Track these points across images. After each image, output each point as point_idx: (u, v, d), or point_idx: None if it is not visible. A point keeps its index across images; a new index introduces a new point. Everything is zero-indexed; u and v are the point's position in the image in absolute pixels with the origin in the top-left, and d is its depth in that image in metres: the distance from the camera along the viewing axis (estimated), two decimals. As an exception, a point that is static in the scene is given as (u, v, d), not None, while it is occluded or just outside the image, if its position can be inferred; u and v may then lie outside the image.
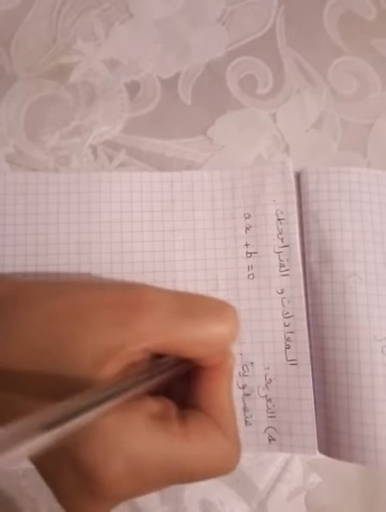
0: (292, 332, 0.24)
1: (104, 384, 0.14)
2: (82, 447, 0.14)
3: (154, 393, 0.16)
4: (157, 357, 0.17)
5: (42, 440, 0.11)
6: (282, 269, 0.25)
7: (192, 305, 0.17)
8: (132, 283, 0.17)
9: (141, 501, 0.24)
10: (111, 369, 0.14)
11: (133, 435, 0.14)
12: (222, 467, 0.16)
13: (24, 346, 0.15)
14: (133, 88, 0.29)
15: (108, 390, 0.13)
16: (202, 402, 0.17)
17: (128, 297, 0.16)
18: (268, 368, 0.24)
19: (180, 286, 0.25)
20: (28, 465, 0.23)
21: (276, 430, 0.24)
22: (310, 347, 0.24)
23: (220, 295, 0.25)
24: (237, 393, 0.24)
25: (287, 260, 0.25)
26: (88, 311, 0.15)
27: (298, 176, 0.27)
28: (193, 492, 0.25)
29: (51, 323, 0.15)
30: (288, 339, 0.24)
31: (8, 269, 0.24)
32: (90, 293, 0.16)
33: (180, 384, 0.18)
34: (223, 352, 0.18)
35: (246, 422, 0.24)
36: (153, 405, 0.16)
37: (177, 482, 0.16)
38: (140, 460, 0.14)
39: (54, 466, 0.14)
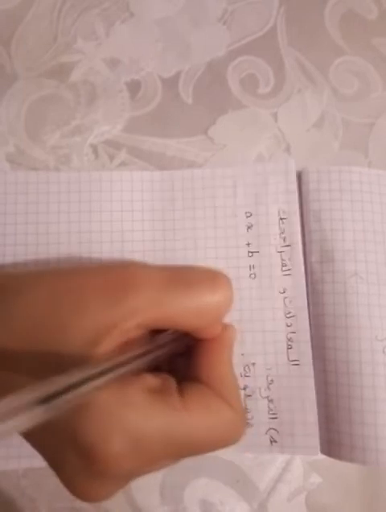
0: (294, 332, 0.24)
1: (99, 360, 0.14)
2: (80, 425, 0.13)
3: (155, 369, 0.16)
4: (155, 333, 0.17)
5: (37, 414, 0.11)
6: (284, 268, 0.25)
7: (182, 276, 0.17)
8: (120, 262, 0.17)
9: (141, 500, 0.24)
10: (106, 347, 0.14)
11: (132, 409, 0.14)
12: (226, 437, 0.16)
13: (17, 332, 0.15)
14: (134, 88, 0.29)
15: (103, 365, 0.13)
16: (202, 374, 0.17)
17: (117, 275, 0.16)
18: (270, 368, 0.24)
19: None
20: (28, 465, 0.23)
21: (277, 431, 0.24)
22: (312, 347, 0.24)
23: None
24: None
25: (289, 259, 0.25)
26: (78, 293, 0.15)
27: (299, 176, 0.26)
28: (193, 492, 0.24)
29: (42, 307, 0.15)
30: (290, 339, 0.24)
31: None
32: (78, 275, 0.16)
33: (181, 360, 0.18)
34: (218, 321, 0.18)
35: (247, 423, 0.24)
36: (152, 380, 0.16)
37: (180, 456, 0.16)
38: (140, 434, 0.14)
39: (55, 447, 0.14)
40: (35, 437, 0.15)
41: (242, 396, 0.24)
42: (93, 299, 0.15)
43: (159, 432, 0.14)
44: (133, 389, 0.14)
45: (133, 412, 0.14)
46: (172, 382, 0.16)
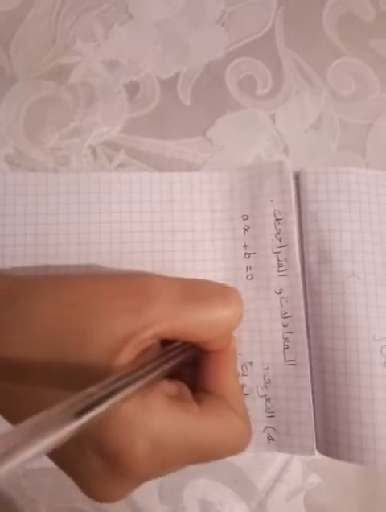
0: (290, 333, 0.24)
1: (122, 371, 0.14)
2: (106, 432, 0.14)
3: (166, 377, 0.17)
4: (164, 343, 0.17)
5: (74, 426, 0.11)
6: (280, 269, 0.25)
7: (197, 290, 0.17)
8: (137, 272, 0.18)
9: (141, 500, 0.24)
10: (126, 357, 0.15)
11: (154, 416, 0.15)
12: (237, 444, 0.17)
13: (36, 338, 0.15)
14: (133, 89, 0.29)
15: (127, 377, 0.14)
16: (210, 385, 0.18)
17: (135, 285, 0.16)
18: (267, 368, 0.24)
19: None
20: (28, 465, 0.23)
21: (275, 430, 0.24)
22: (309, 347, 0.24)
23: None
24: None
25: (285, 260, 0.25)
26: (97, 301, 0.16)
27: (297, 177, 0.27)
28: (192, 491, 0.25)
29: (61, 314, 0.15)
30: (286, 339, 0.24)
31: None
32: (98, 283, 0.17)
33: (187, 370, 0.19)
34: (228, 335, 0.19)
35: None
36: (170, 387, 0.16)
37: (195, 460, 0.16)
38: (162, 439, 0.15)
39: (77, 452, 0.15)
40: None
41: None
42: (113, 309, 0.15)
43: (179, 437, 0.15)
44: (154, 396, 0.15)
45: (156, 418, 0.15)
46: (187, 390, 0.17)
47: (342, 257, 0.25)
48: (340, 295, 0.24)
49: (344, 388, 0.23)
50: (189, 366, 0.19)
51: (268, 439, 0.24)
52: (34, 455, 0.10)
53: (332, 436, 0.23)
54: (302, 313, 0.24)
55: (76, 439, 0.14)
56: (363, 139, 0.28)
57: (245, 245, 0.26)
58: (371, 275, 0.25)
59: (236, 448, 0.17)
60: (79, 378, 0.14)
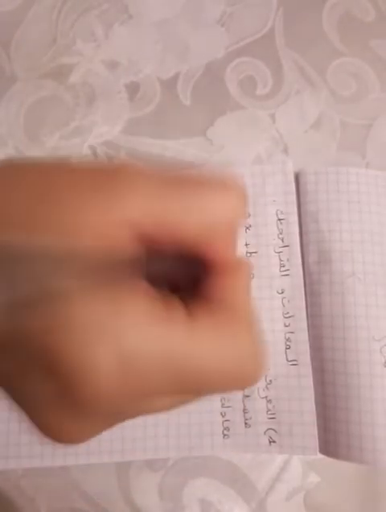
0: (292, 333, 0.24)
1: (88, 255, 0.11)
2: (58, 342, 0.10)
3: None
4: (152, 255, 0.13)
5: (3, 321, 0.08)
6: (282, 269, 0.25)
7: (187, 176, 0.13)
8: (113, 163, 0.13)
9: (140, 500, 0.24)
10: (84, 243, 0.11)
11: (128, 324, 0.11)
12: (241, 371, 0.13)
13: (5, 224, 0.11)
14: (133, 89, 0.29)
15: (86, 260, 0.11)
16: (213, 296, 0.13)
17: (108, 171, 0.12)
18: (269, 368, 0.24)
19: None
20: (28, 465, 0.23)
21: (276, 431, 0.24)
22: (309, 347, 0.24)
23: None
24: (237, 394, 0.24)
25: (287, 260, 0.25)
26: (62, 190, 0.12)
27: (297, 177, 0.27)
28: (192, 491, 0.25)
29: (16, 201, 0.12)
30: (288, 339, 0.24)
31: None
32: (66, 174, 0.13)
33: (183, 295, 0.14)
34: (231, 236, 0.14)
35: (246, 423, 0.24)
36: (152, 289, 0.12)
37: (181, 389, 0.12)
38: (133, 352, 0.11)
39: (24, 375, 0.11)
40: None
41: (240, 396, 0.24)
42: (77, 197, 0.12)
43: (158, 352, 0.11)
44: (131, 297, 0.11)
45: (130, 327, 0.11)
46: (175, 297, 0.13)
47: (342, 257, 0.25)
48: (340, 295, 0.24)
49: (344, 388, 0.23)
50: (186, 292, 0.14)
51: (270, 442, 0.24)
52: None
53: (332, 436, 0.23)
54: (304, 313, 0.24)
55: (16, 352, 0.11)
56: (363, 139, 0.28)
57: (246, 244, 0.26)
58: (370, 275, 0.25)
59: (243, 376, 0.13)
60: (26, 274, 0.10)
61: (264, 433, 0.24)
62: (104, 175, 0.12)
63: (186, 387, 0.12)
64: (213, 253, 0.13)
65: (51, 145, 0.28)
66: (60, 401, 0.11)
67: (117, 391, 0.11)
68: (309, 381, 0.24)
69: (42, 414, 0.12)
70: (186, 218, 0.12)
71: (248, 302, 0.14)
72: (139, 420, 0.24)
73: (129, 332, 0.11)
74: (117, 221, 0.11)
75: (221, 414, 0.24)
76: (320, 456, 0.23)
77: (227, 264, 0.14)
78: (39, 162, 0.13)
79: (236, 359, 0.12)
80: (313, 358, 0.24)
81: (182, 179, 0.13)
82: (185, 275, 0.14)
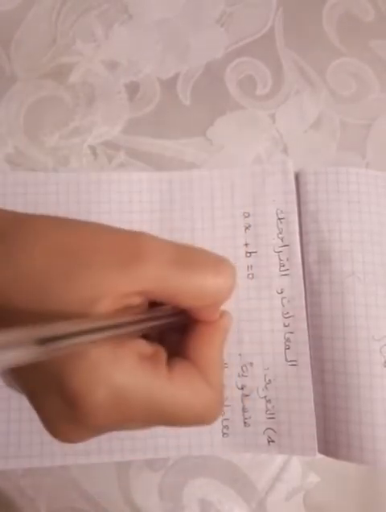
0: (292, 333, 0.24)
1: (98, 317, 0.14)
2: (70, 373, 0.14)
3: (147, 338, 0.17)
4: (152, 306, 0.17)
5: (32, 353, 0.11)
6: (282, 268, 0.25)
7: (191, 255, 0.17)
8: (134, 230, 0.17)
9: (140, 500, 0.24)
10: (105, 307, 0.15)
11: (121, 368, 0.15)
12: (202, 416, 0.17)
13: (23, 276, 0.15)
14: (133, 89, 0.29)
15: (101, 322, 0.14)
16: (191, 353, 0.18)
17: (127, 241, 0.16)
18: (268, 368, 0.24)
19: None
20: (28, 465, 0.23)
21: (275, 431, 0.24)
22: (309, 347, 0.24)
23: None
24: (236, 393, 0.24)
25: (287, 260, 0.25)
26: (87, 249, 0.15)
27: (297, 177, 0.27)
28: (192, 491, 0.25)
29: (50, 256, 0.15)
30: (287, 339, 0.24)
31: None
32: (92, 231, 0.16)
33: (173, 336, 0.19)
34: (217, 306, 0.18)
35: (245, 423, 0.24)
36: (145, 347, 0.16)
37: (157, 423, 0.16)
38: (123, 393, 0.15)
39: (41, 388, 0.15)
40: (22, 374, 0.16)
41: (239, 395, 0.24)
42: (102, 260, 0.15)
43: (142, 394, 0.15)
44: (126, 350, 0.15)
45: (122, 371, 0.15)
46: (163, 353, 0.17)
47: (341, 257, 0.25)
48: (340, 295, 0.24)
49: (343, 388, 0.23)
50: (177, 333, 0.19)
51: (269, 441, 0.24)
52: None
53: (331, 436, 0.23)
54: (304, 313, 0.24)
55: (41, 375, 0.15)
56: (362, 139, 0.28)
57: (246, 244, 0.26)
58: (370, 275, 0.25)
59: (201, 419, 0.17)
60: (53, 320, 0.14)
61: (264, 432, 0.24)
62: (124, 244, 0.16)
63: (157, 420, 0.16)
64: (201, 316, 0.18)
65: (50, 145, 0.28)
66: (66, 415, 0.15)
67: (105, 416, 0.15)
68: (308, 382, 0.24)
69: (53, 422, 0.15)
70: (185, 289, 0.16)
71: (218, 358, 0.18)
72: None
73: (121, 375, 0.15)
74: (133, 291, 0.15)
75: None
76: (320, 456, 0.23)
77: (209, 324, 0.18)
78: (68, 222, 0.17)
79: (199, 406, 0.16)
80: (313, 358, 0.24)
81: (187, 257, 0.17)
82: (175, 321, 0.18)
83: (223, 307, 0.19)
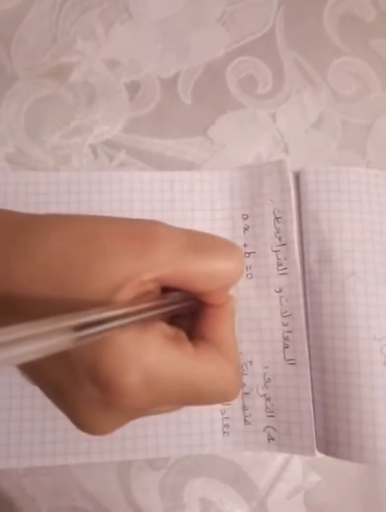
0: (290, 331, 0.24)
1: (121, 304, 0.15)
2: (101, 359, 0.15)
3: (164, 321, 0.17)
4: (166, 292, 0.18)
5: (68, 340, 0.11)
6: (280, 267, 0.25)
7: (202, 241, 0.18)
8: (146, 219, 0.17)
9: (141, 499, 0.24)
10: (125, 295, 0.15)
11: (149, 349, 0.15)
12: (226, 391, 0.17)
13: (41, 271, 0.15)
14: (133, 88, 0.29)
15: (125, 308, 0.14)
16: (206, 334, 0.18)
17: (142, 229, 0.17)
18: (267, 367, 0.24)
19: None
20: (28, 464, 0.23)
21: (275, 429, 0.24)
22: (309, 346, 0.24)
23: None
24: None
25: (285, 258, 0.25)
26: (104, 239, 0.16)
27: (298, 176, 0.27)
28: (193, 490, 0.25)
29: (67, 250, 0.15)
30: (286, 338, 0.24)
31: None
32: (105, 223, 0.17)
33: (184, 322, 0.19)
34: (227, 289, 0.19)
35: (245, 420, 0.24)
36: (167, 329, 0.17)
37: (186, 400, 0.17)
38: (154, 372, 0.15)
39: (71, 379, 0.15)
40: (45, 369, 0.16)
41: (240, 393, 0.24)
42: (118, 248, 0.16)
43: (172, 373, 0.15)
44: (151, 333, 0.16)
45: (150, 352, 0.15)
46: (184, 335, 0.18)
47: (342, 256, 0.25)
48: (340, 295, 0.24)
49: (344, 387, 0.23)
50: (187, 319, 0.19)
51: (269, 439, 0.24)
52: (23, 355, 0.10)
53: (332, 435, 0.23)
54: (302, 312, 0.24)
55: (70, 365, 0.15)
56: (363, 139, 0.28)
57: (245, 245, 0.26)
58: (371, 274, 0.25)
59: (226, 395, 0.18)
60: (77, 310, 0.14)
61: (264, 430, 0.24)
62: (138, 231, 0.16)
63: (186, 399, 0.17)
64: (210, 300, 0.19)
65: (51, 144, 0.28)
66: (97, 401, 0.15)
67: (138, 397, 0.15)
68: (306, 381, 0.24)
69: (81, 411, 0.15)
70: (199, 274, 0.17)
71: (232, 336, 0.19)
72: (140, 419, 0.24)
73: (151, 355, 0.15)
74: (150, 278, 0.16)
75: (221, 411, 0.24)
76: (320, 455, 0.23)
77: (218, 306, 0.19)
78: (80, 215, 0.17)
79: (224, 382, 0.17)
80: (313, 357, 0.24)
81: (200, 242, 0.17)
82: (185, 306, 0.18)
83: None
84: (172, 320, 0.19)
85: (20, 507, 0.24)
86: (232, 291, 0.20)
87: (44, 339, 0.11)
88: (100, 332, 0.12)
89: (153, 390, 0.15)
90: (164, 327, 0.17)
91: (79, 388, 0.15)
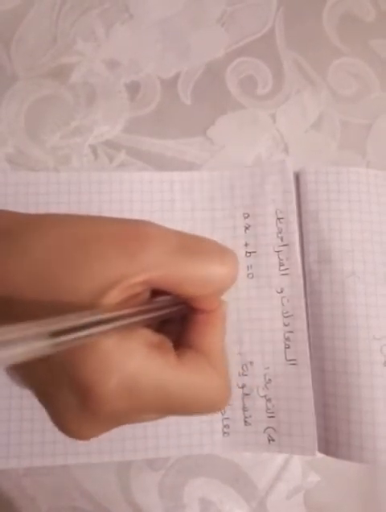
0: (291, 332, 0.24)
1: (106, 308, 0.14)
2: (81, 365, 0.14)
3: (150, 327, 0.17)
4: (155, 295, 0.17)
5: (45, 346, 0.11)
6: (282, 268, 0.25)
7: (195, 244, 0.17)
8: (138, 220, 0.17)
9: (141, 499, 0.24)
10: (113, 298, 0.15)
11: (130, 357, 0.15)
12: (213, 401, 0.17)
13: (29, 271, 0.15)
14: (133, 89, 0.29)
15: (109, 313, 0.14)
16: (194, 341, 0.18)
17: (132, 229, 0.16)
18: (268, 368, 0.24)
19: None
20: (28, 464, 0.23)
21: (275, 430, 0.24)
22: (309, 346, 0.24)
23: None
24: (237, 392, 0.24)
25: (286, 259, 0.25)
26: (92, 241, 0.16)
27: (298, 176, 0.27)
28: (192, 490, 0.25)
29: (56, 250, 0.15)
30: (287, 338, 0.24)
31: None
32: (95, 223, 0.16)
33: (173, 327, 0.19)
34: (219, 294, 0.19)
35: (245, 422, 0.24)
36: (152, 336, 0.16)
37: (169, 411, 0.16)
38: (135, 381, 0.15)
39: (50, 383, 0.15)
40: (30, 371, 0.16)
41: (240, 394, 0.24)
42: (108, 250, 0.15)
43: (154, 383, 0.15)
44: (134, 340, 0.15)
45: (132, 359, 0.15)
46: (169, 344, 0.17)
47: (342, 256, 0.25)
48: (340, 295, 0.24)
49: (344, 387, 0.23)
50: (176, 324, 0.19)
51: (269, 440, 0.24)
52: None
53: (332, 435, 0.23)
54: (304, 312, 0.24)
55: (52, 370, 0.15)
56: (363, 139, 0.28)
57: (246, 244, 0.26)
58: (371, 275, 0.25)
59: (211, 405, 0.17)
60: (63, 313, 0.14)
61: (264, 431, 0.24)
62: (128, 232, 0.16)
63: (169, 409, 0.16)
64: (201, 305, 0.18)
65: (51, 144, 0.28)
66: (77, 408, 0.15)
67: (118, 405, 0.15)
68: (308, 382, 0.24)
69: (64, 417, 0.15)
70: (190, 277, 0.16)
71: (221, 345, 0.18)
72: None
73: (132, 363, 0.15)
74: (140, 280, 0.15)
75: (221, 412, 0.24)
76: (320, 455, 0.23)
77: (209, 313, 0.18)
78: (71, 215, 0.17)
79: (210, 392, 0.17)
80: (313, 358, 0.24)
81: (192, 245, 0.17)
82: (175, 311, 0.18)
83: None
84: (161, 324, 0.18)
85: (20, 507, 0.24)
86: (226, 294, 0.19)
87: (19, 344, 0.10)
88: (78, 339, 0.12)
89: (133, 398, 0.15)
90: (148, 334, 0.16)
91: (60, 393, 0.15)
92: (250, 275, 0.25)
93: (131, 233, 0.16)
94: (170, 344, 0.17)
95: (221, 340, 0.19)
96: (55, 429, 0.23)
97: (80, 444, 0.24)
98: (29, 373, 0.16)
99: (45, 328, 0.11)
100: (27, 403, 0.24)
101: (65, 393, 0.15)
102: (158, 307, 0.17)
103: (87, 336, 0.13)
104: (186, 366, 0.16)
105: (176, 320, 0.19)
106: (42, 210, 0.25)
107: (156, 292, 0.17)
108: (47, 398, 0.16)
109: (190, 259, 0.16)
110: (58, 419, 0.15)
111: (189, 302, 0.18)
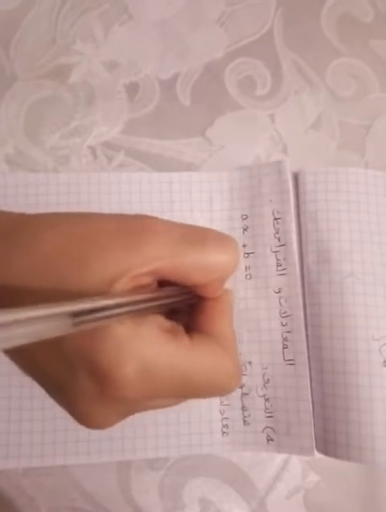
0: (289, 332, 0.24)
1: (118, 293, 0.15)
2: (98, 350, 0.15)
3: (161, 314, 0.17)
4: (162, 287, 0.18)
5: (66, 325, 0.11)
6: (279, 268, 0.25)
7: (196, 233, 0.18)
8: (140, 214, 0.18)
9: (141, 499, 0.24)
10: (121, 288, 0.15)
11: (145, 342, 0.15)
12: (225, 383, 0.17)
13: (37, 264, 0.15)
14: (132, 89, 0.29)
15: (122, 297, 0.14)
16: (204, 326, 0.18)
17: (136, 223, 0.17)
18: (266, 367, 0.24)
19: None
20: (28, 464, 0.23)
21: (274, 430, 0.24)
22: (308, 347, 0.24)
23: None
24: (236, 392, 0.24)
25: (284, 259, 0.25)
26: (98, 235, 0.16)
27: (296, 177, 0.27)
28: (192, 490, 0.25)
29: (64, 245, 0.16)
30: (285, 338, 0.24)
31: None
32: (100, 218, 0.17)
33: (181, 316, 0.19)
34: (223, 281, 0.19)
35: (244, 421, 0.24)
36: (164, 321, 0.17)
37: (183, 393, 0.17)
38: (150, 364, 0.15)
39: (67, 374, 0.15)
40: (44, 358, 0.16)
41: (239, 394, 0.24)
42: (113, 243, 0.16)
43: (169, 365, 0.15)
44: (148, 325, 0.16)
45: (147, 344, 0.15)
46: (180, 327, 0.18)
47: (340, 257, 0.25)
48: (339, 295, 0.24)
49: (343, 388, 0.23)
50: (184, 314, 0.19)
51: (268, 440, 0.24)
52: (19, 336, 0.10)
53: (331, 436, 0.23)
54: (301, 312, 0.24)
55: (66, 357, 0.15)
56: (362, 139, 0.28)
57: (244, 245, 0.26)
58: (369, 275, 0.25)
59: (223, 387, 0.17)
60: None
61: (263, 431, 0.24)
62: (132, 225, 0.17)
63: (184, 392, 0.17)
64: (207, 293, 0.19)
65: (50, 144, 0.28)
66: (94, 394, 0.15)
67: (135, 390, 0.15)
68: (306, 382, 0.24)
69: (81, 405, 0.15)
70: (193, 266, 0.17)
71: (230, 329, 0.19)
72: (139, 419, 0.24)
73: (147, 348, 0.15)
74: (146, 271, 0.16)
75: (220, 411, 0.24)
76: (319, 455, 0.23)
77: (215, 300, 0.19)
78: (77, 212, 0.17)
79: (222, 374, 0.17)
80: (312, 358, 0.24)
81: (194, 235, 0.17)
82: (182, 300, 0.19)
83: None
84: (170, 314, 0.19)
85: (19, 507, 0.24)
86: (229, 287, 0.20)
87: (41, 323, 0.11)
88: (97, 319, 0.13)
89: (149, 381, 0.15)
90: (161, 320, 0.17)
91: (75, 380, 0.15)
92: (248, 276, 0.25)
93: (135, 226, 0.17)
94: (181, 329, 0.17)
95: (230, 325, 0.19)
96: (55, 429, 0.24)
97: (80, 445, 0.24)
98: (39, 365, 0.16)
99: (66, 308, 0.12)
100: (27, 404, 0.24)
101: (82, 380, 0.15)
102: (166, 295, 0.17)
103: (106, 317, 0.13)
104: (199, 348, 0.17)
105: (183, 310, 0.19)
106: (41, 211, 0.25)
107: (162, 284, 0.17)
108: (61, 389, 0.16)
109: (192, 248, 0.17)
110: (75, 408, 0.16)
111: (195, 290, 0.18)
